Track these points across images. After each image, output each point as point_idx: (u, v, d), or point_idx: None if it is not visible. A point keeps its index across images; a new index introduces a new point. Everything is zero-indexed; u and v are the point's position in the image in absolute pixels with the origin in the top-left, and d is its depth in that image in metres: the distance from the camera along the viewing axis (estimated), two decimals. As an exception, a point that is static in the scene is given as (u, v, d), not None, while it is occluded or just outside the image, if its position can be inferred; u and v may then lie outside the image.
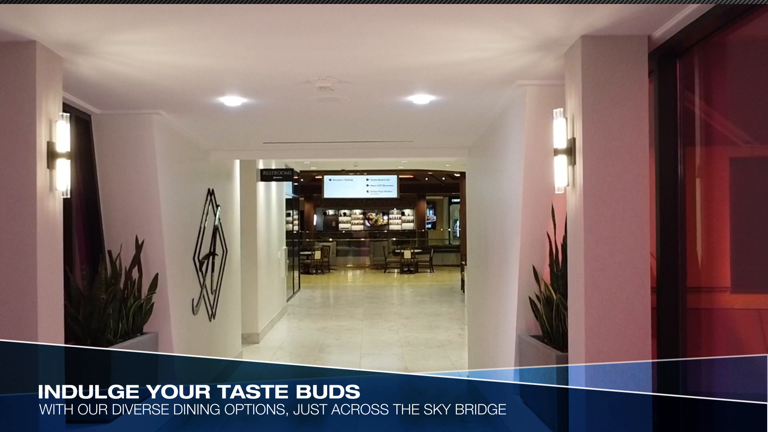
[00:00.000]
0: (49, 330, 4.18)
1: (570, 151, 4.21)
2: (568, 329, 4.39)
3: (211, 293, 8.27)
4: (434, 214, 38.22)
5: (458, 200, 29.67)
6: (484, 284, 7.28)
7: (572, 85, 4.22)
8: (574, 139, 4.17)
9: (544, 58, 4.49)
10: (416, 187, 32.49)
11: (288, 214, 16.82)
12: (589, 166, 4.04)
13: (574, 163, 4.17)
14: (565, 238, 5.00)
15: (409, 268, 25.56)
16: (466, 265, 16.70)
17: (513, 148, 5.73)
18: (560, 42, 4.17)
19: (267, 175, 11.96)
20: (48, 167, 4.15)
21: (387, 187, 23.55)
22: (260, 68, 4.73)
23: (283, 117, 6.53)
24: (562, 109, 4.34)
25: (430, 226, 37.23)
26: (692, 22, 3.68)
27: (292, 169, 12.68)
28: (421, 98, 5.67)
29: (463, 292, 17.92)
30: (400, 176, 23.87)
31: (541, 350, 4.91)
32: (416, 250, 26.81)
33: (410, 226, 36.51)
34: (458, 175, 23.24)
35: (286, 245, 16.10)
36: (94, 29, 3.86)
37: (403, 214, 37.01)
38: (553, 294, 5.10)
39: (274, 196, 13.81)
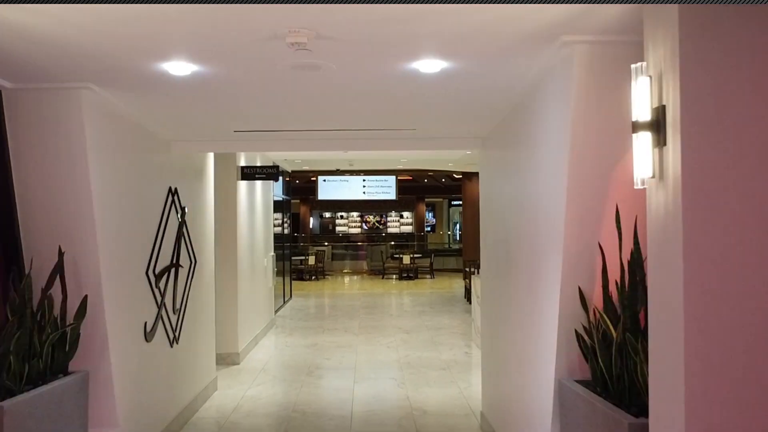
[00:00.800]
0: None
1: (657, 126, 2.82)
2: (650, 388, 3.00)
3: (173, 313, 6.86)
4: (433, 217, 37.02)
5: (459, 202, 28.35)
6: (506, 305, 5.88)
7: (658, 28, 2.84)
8: (663, 108, 2.78)
9: (609, -4, 3.12)
10: (415, 189, 31.32)
11: (277, 218, 15.42)
12: (689, 147, 2.64)
13: (664, 143, 2.78)
14: (633, 252, 3.61)
15: (409, 273, 24.17)
16: (470, 271, 15.35)
17: (553, 132, 4.35)
18: (641, -36, 2.79)
19: (249, 173, 10.55)
20: None
21: (385, 189, 22.21)
22: (208, 16, 3.34)
23: (250, 94, 5.12)
24: (643, 64, 2.95)
25: (429, 229, 36.04)
26: None
27: (278, 167, 11.29)
28: (429, 65, 4.27)
29: (467, 301, 16.53)
30: (399, 177, 22.54)
31: (600, 411, 3.51)
32: (416, 255, 25.39)
33: (409, 229, 35.31)
34: (459, 176, 21.91)
35: (277, 250, 14.70)
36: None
37: (401, 216, 35.79)
38: (611, 328, 3.72)
39: (259, 197, 12.38)
